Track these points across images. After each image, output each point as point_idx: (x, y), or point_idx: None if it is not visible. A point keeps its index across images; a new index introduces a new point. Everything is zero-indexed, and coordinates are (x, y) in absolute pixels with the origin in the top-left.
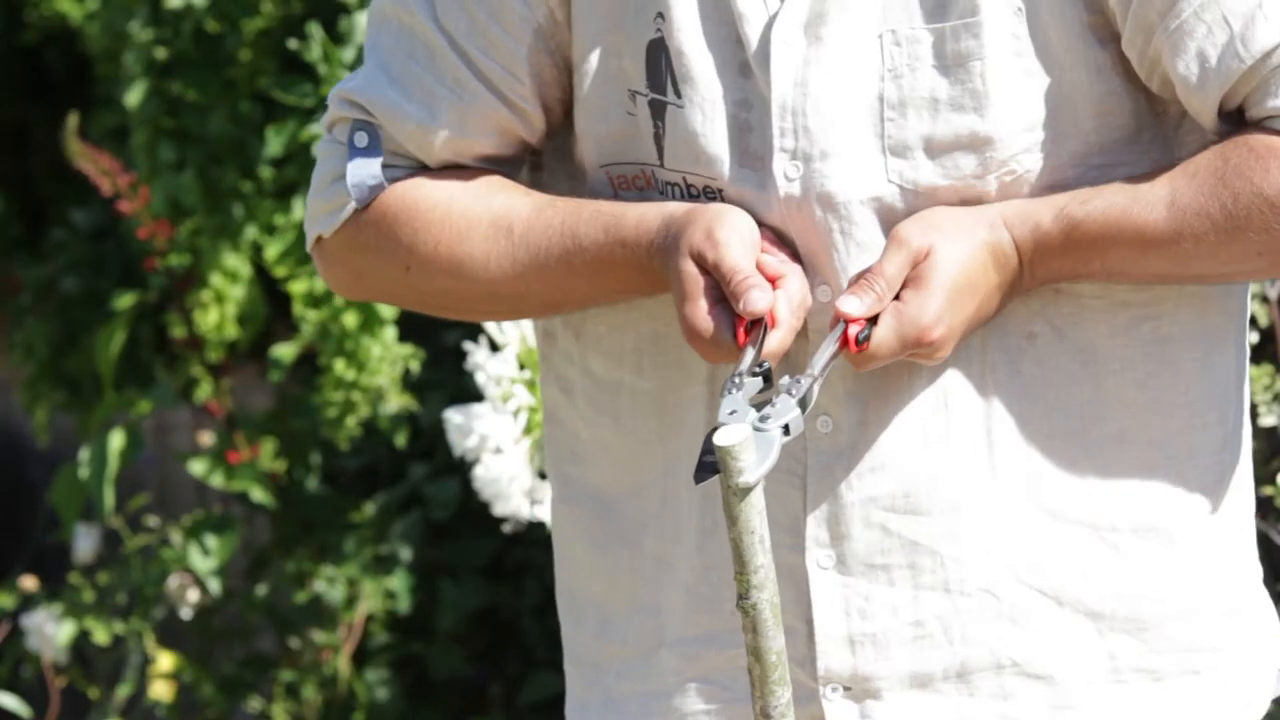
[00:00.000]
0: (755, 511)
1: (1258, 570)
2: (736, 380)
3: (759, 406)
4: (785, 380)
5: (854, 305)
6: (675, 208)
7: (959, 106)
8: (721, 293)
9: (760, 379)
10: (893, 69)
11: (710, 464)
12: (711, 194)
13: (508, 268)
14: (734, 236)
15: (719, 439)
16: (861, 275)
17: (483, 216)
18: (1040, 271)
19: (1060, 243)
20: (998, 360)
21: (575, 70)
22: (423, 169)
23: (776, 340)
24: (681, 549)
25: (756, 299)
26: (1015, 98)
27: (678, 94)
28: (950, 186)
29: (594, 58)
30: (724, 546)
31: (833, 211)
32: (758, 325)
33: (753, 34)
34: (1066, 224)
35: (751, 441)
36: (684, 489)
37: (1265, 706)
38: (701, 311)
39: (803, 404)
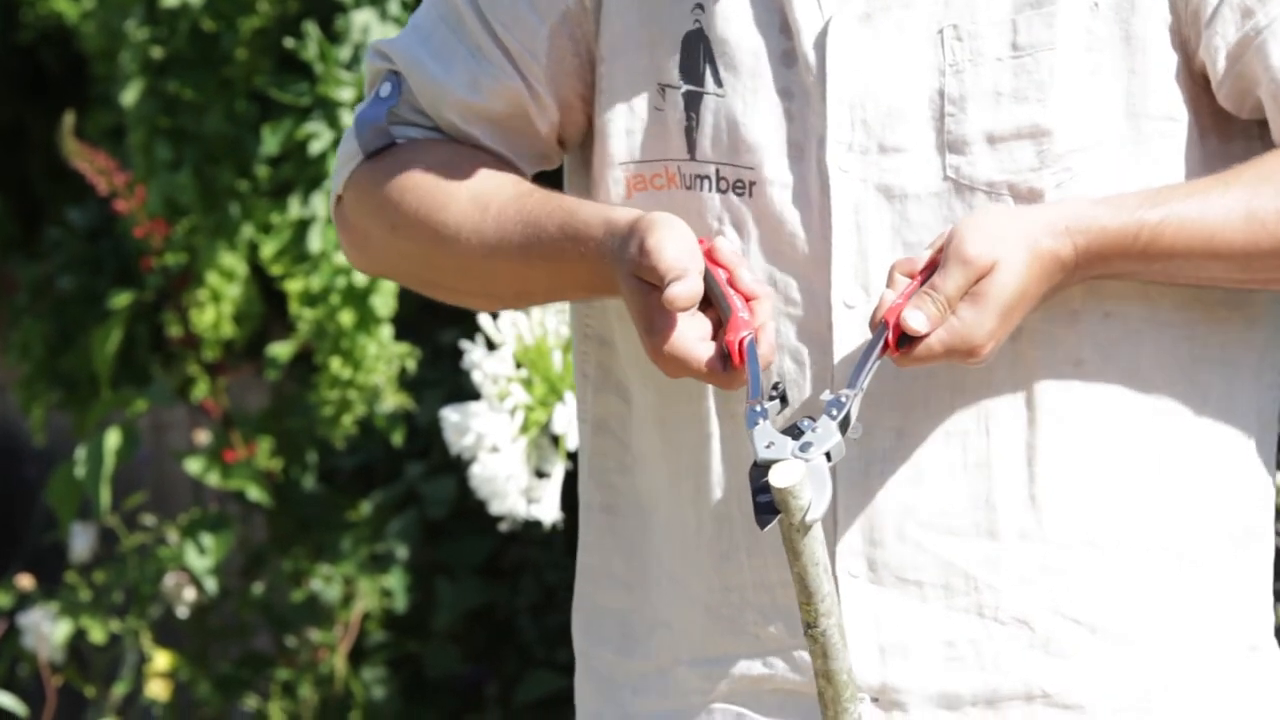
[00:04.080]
0: (818, 543)
1: (1272, 614)
2: (759, 410)
3: (790, 432)
4: (826, 397)
5: (919, 320)
6: (619, 216)
7: (1022, 97)
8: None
9: (778, 401)
10: (954, 64)
11: (767, 504)
12: (742, 187)
13: (475, 245)
14: (664, 239)
15: (776, 480)
16: (921, 284)
17: (465, 190)
18: (1094, 272)
19: (1126, 248)
20: (1045, 388)
21: (600, 63)
22: (438, 134)
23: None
24: (693, 568)
25: (676, 291)
26: (1079, 92)
27: (718, 83)
28: (1006, 181)
29: (622, 52)
30: (743, 569)
31: (889, 206)
32: (730, 344)
33: (804, 22)
34: (1138, 229)
35: (807, 477)
36: (689, 508)
37: None
38: (662, 337)
39: (843, 424)
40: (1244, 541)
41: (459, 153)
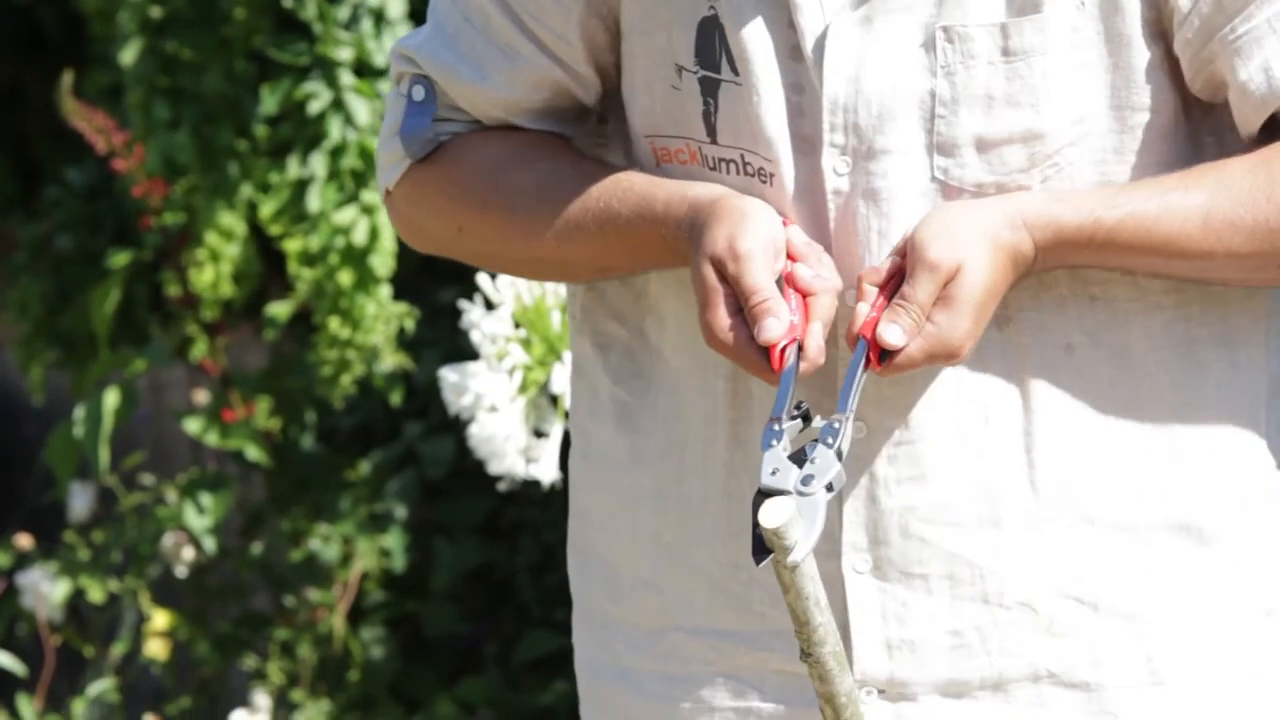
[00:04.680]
0: (808, 579)
1: None
2: (777, 430)
3: (797, 457)
4: (819, 423)
5: (896, 335)
6: (703, 194)
7: (1015, 103)
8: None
9: (799, 420)
10: (945, 65)
11: (762, 538)
12: (765, 176)
13: (549, 238)
14: (756, 249)
15: (764, 519)
16: (890, 296)
17: (528, 185)
18: (1053, 263)
19: (1084, 245)
20: (1037, 374)
21: (623, 39)
22: (479, 125)
23: (803, 368)
24: (697, 538)
25: (770, 328)
26: (1069, 91)
27: (734, 71)
28: (995, 182)
29: (641, 30)
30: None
31: (875, 210)
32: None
33: (806, 24)
34: (1094, 229)
35: (797, 516)
36: (693, 479)
37: None
38: (722, 322)
39: (839, 453)
40: (1253, 511)
41: (508, 142)
